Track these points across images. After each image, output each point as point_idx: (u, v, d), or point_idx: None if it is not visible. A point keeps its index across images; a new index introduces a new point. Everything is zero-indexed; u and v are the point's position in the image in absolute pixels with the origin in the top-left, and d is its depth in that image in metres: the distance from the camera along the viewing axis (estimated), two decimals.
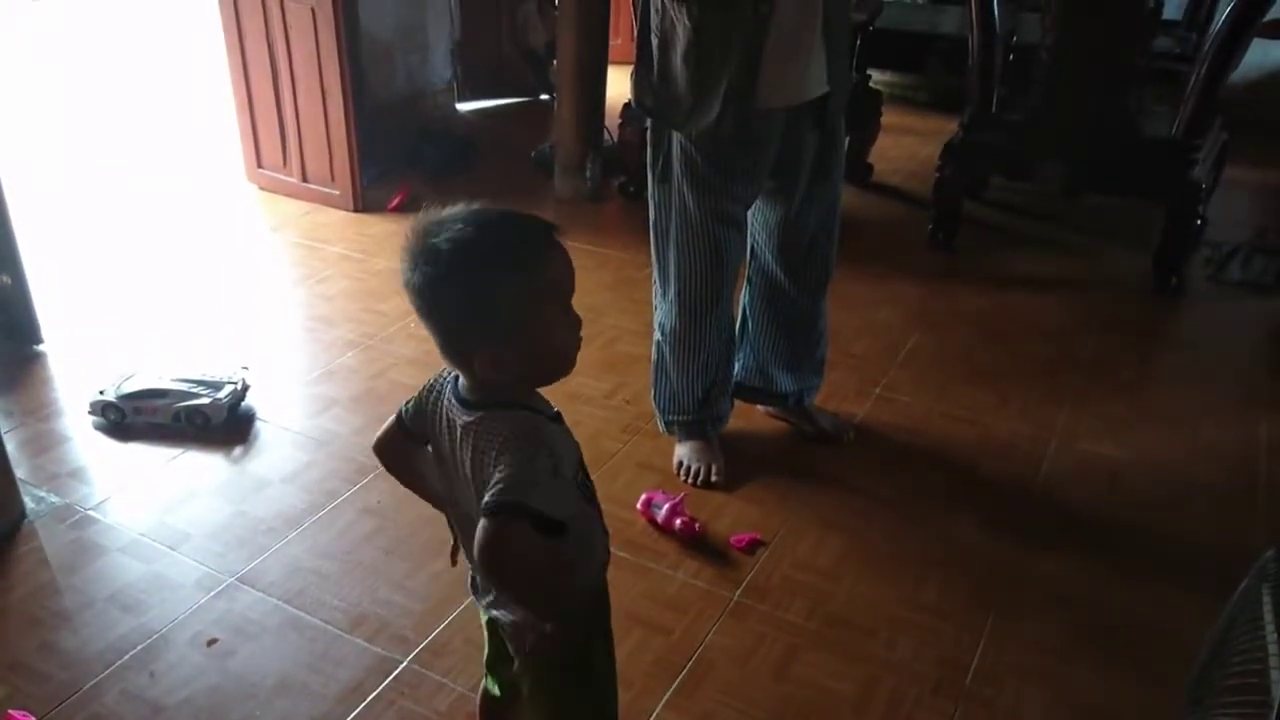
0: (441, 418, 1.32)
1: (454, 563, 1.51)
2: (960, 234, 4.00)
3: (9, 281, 3.12)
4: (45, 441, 2.75)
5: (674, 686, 1.97)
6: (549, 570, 1.30)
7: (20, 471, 2.56)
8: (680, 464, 2.58)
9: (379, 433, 1.43)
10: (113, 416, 2.77)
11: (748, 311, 2.62)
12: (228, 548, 2.33)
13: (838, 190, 2.45)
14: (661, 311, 2.49)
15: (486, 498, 1.17)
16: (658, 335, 2.53)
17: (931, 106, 5.63)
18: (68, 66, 6.76)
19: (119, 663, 2.02)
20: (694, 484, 2.53)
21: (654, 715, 1.91)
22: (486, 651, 1.59)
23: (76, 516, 2.45)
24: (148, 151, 5.15)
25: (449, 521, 1.45)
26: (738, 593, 2.20)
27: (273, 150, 4.41)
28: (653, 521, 2.39)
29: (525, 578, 1.25)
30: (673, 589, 2.22)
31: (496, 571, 1.21)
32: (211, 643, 2.07)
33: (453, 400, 1.28)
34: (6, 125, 5.40)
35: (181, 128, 5.52)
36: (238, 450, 2.72)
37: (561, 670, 1.45)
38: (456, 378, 1.30)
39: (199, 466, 2.64)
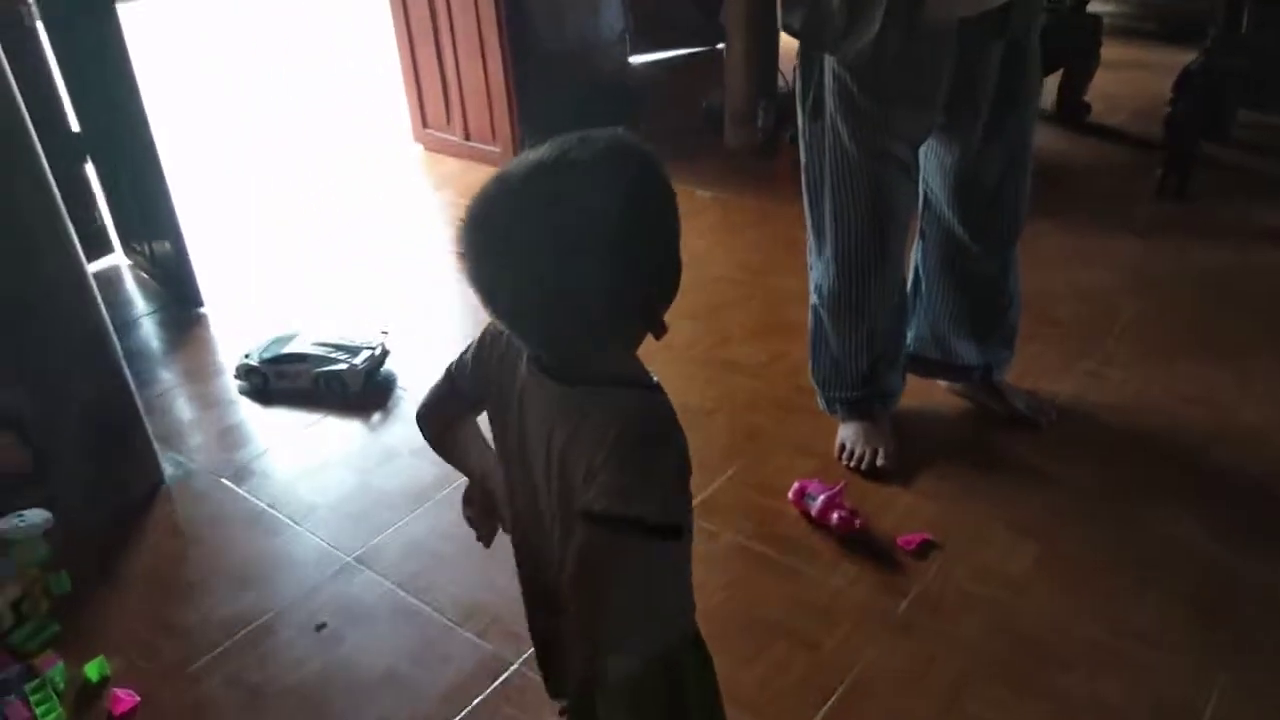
0: (510, 380, 1.08)
1: (487, 544, 1.30)
2: (1195, 180, 3.41)
3: (169, 248, 3.14)
4: (194, 406, 2.74)
5: (820, 715, 1.67)
6: (660, 589, 1.05)
7: (166, 436, 2.55)
8: (842, 447, 2.25)
9: (424, 397, 1.21)
10: (256, 381, 2.72)
11: (920, 271, 2.24)
12: (350, 523, 2.21)
13: (1029, 125, 2.02)
14: (818, 272, 2.15)
15: (593, 500, 0.94)
16: (814, 299, 2.20)
17: (1161, 37, 4.91)
18: (236, 35, 7.00)
19: (228, 643, 1.92)
20: (858, 471, 2.20)
21: None
22: None
23: (210, 484, 2.39)
24: (317, 118, 5.21)
25: (497, 505, 1.24)
26: (903, 604, 1.87)
27: (436, 110, 4.33)
28: (806, 514, 2.08)
29: (629, 602, 1.00)
30: (825, 596, 1.90)
31: (595, 591, 0.96)
32: (321, 627, 1.94)
33: (532, 365, 1.04)
34: (172, 94, 5.61)
35: (351, 93, 5.56)
36: (375, 418, 2.61)
37: (646, 700, 1.20)
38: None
39: (333, 434, 2.55)
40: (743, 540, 2.05)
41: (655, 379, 1.05)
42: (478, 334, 1.15)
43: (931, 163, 2.06)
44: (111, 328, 2.30)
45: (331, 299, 3.22)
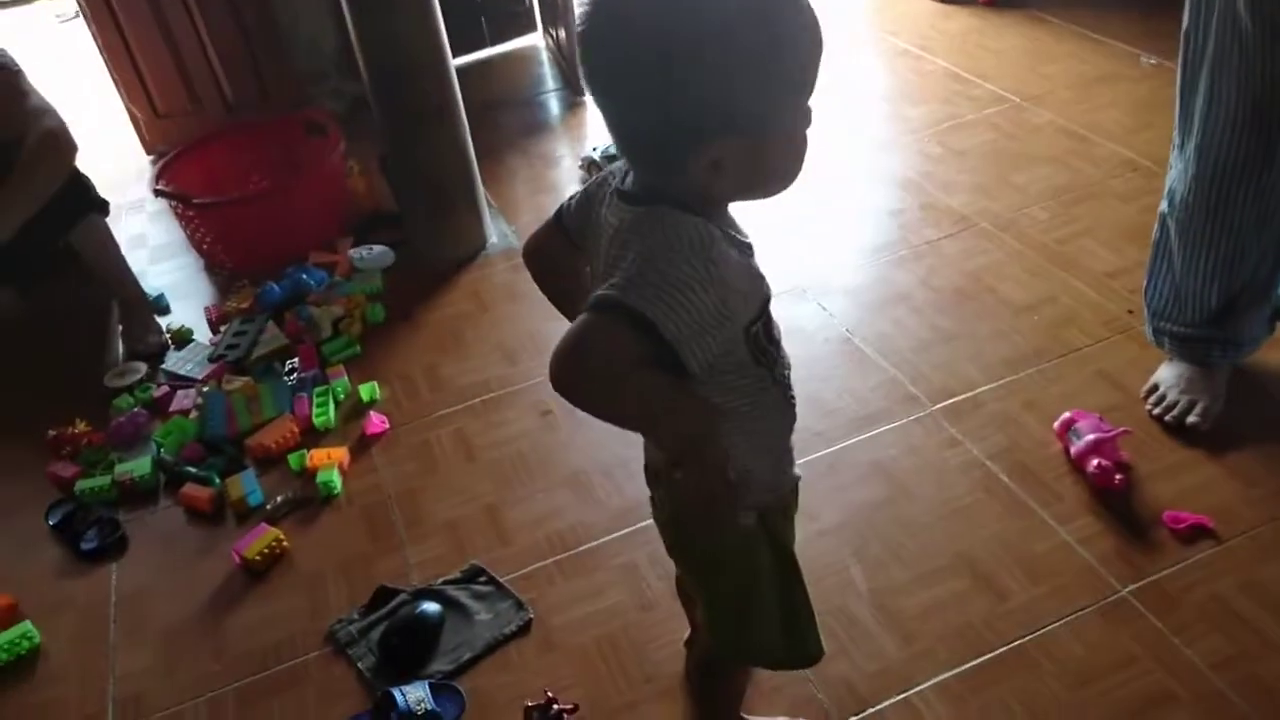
0: (600, 217, 1.00)
1: None
2: None
3: (564, 35, 3.28)
4: (541, 184, 2.92)
5: (966, 666, 1.46)
6: (659, 396, 0.90)
7: (506, 207, 2.76)
8: (1154, 389, 1.84)
9: (533, 233, 1.15)
10: (594, 174, 2.81)
11: None
12: None
13: None
14: (1175, 171, 1.70)
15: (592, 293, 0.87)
16: (1163, 205, 1.75)
17: None
18: None
19: (471, 402, 2.11)
20: (1160, 421, 1.79)
21: (915, 688, 1.45)
22: None
23: (519, 259, 2.55)
24: None
25: None
26: (1131, 587, 1.53)
27: None
28: (1067, 451, 1.76)
29: (607, 395, 0.88)
30: (1044, 546, 1.62)
31: (564, 379, 0.89)
32: (546, 413, 2.05)
33: (615, 199, 0.95)
34: None
35: None
36: None
37: (711, 550, 1.13)
38: (627, 171, 0.96)
39: None
40: (984, 458, 1.79)
41: (748, 239, 0.94)
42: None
43: None
44: (462, 107, 2.47)
45: None
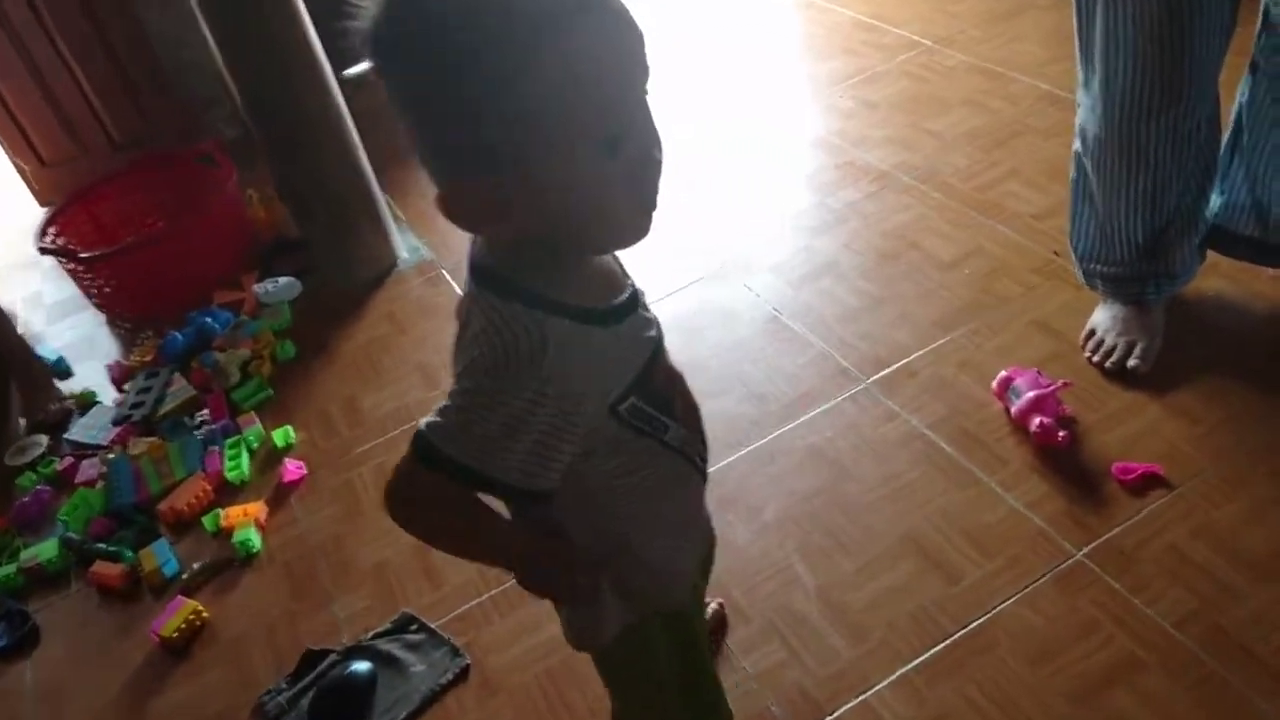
0: None
1: None
2: None
3: None
4: None
5: (925, 657, 1.39)
6: (487, 539, 0.87)
7: (416, 220, 2.64)
8: (1090, 334, 1.77)
9: None
10: None
11: (1245, 116, 1.60)
12: None
13: None
14: (1083, 109, 1.62)
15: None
16: (1076, 144, 1.67)
17: None
18: None
19: (389, 435, 2.00)
20: (1101, 366, 1.72)
21: (872, 689, 1.37)
22: None
23: (433, 274, 2.46)
24: None
25: None
26: (1085, 549, 1.47)
27: None
28: (1008, 412, 1.68)
29: (433, 535, 0.86)
30: (992, 517, 1.55)
31: (393, 516, 0.81)
32: None
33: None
34: None
35: None
36: None
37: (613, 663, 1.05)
38: None
39: None
40: (922, 428, 1.71)
41: (619, 298, 0.82)
42: None
43: None
44: (348, 117, 2.35)
45: None
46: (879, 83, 2.71)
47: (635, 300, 0.84)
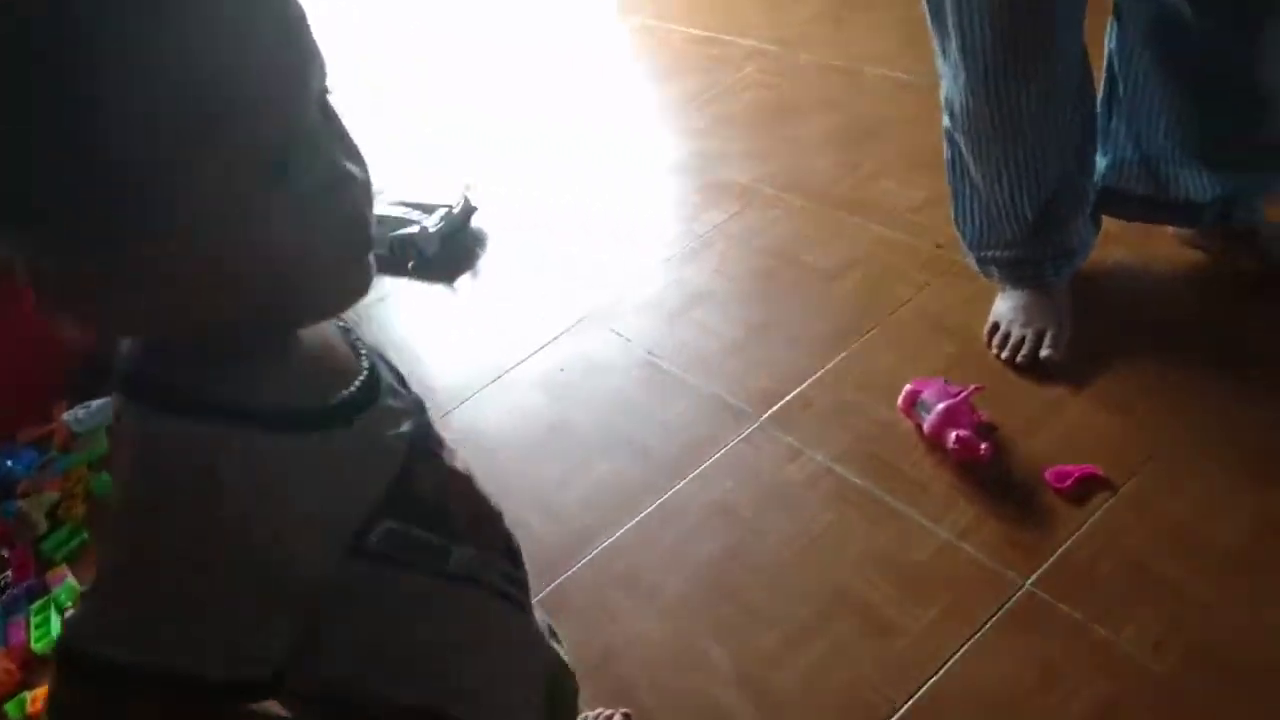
0: None
1: None
2: None
3: None
4: None
5: None
6: None
7: None
8: (994, 328, 1.60)
9: None
10: None
11: (1118, 65, 1.46)
12: None
13: None
14: (946, 81, 1.46)
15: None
16: (945, 120, 1.51)
17: None
18: None
19: None
20: (1012, 362, 1.55)
21: None
22: None
23: None
24: None
25: None
26: (1033, 577, 1.26)
27: None
28: (920, 429, 1.49)
29: None
30: (923, 552, 1.34)
31: None
32: None
33: None
34: None
35: None
36: (459, 284, 2.23)
37: None
38: None
39: (405, 308, 2.21)
40: (829, 462, 1.50)
41: (341, 396, 0.59)
42: None
43: None
44: None
45: (417, 149, 2.79)
46: (729, 96, 2.54)
47: (373, 388, 0.60)
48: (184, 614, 0.51)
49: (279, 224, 0.49)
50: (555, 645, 0.86)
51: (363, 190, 0.54)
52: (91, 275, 0.48)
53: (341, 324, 0.65)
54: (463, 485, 0.71)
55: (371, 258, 0.56)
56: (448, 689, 0.66)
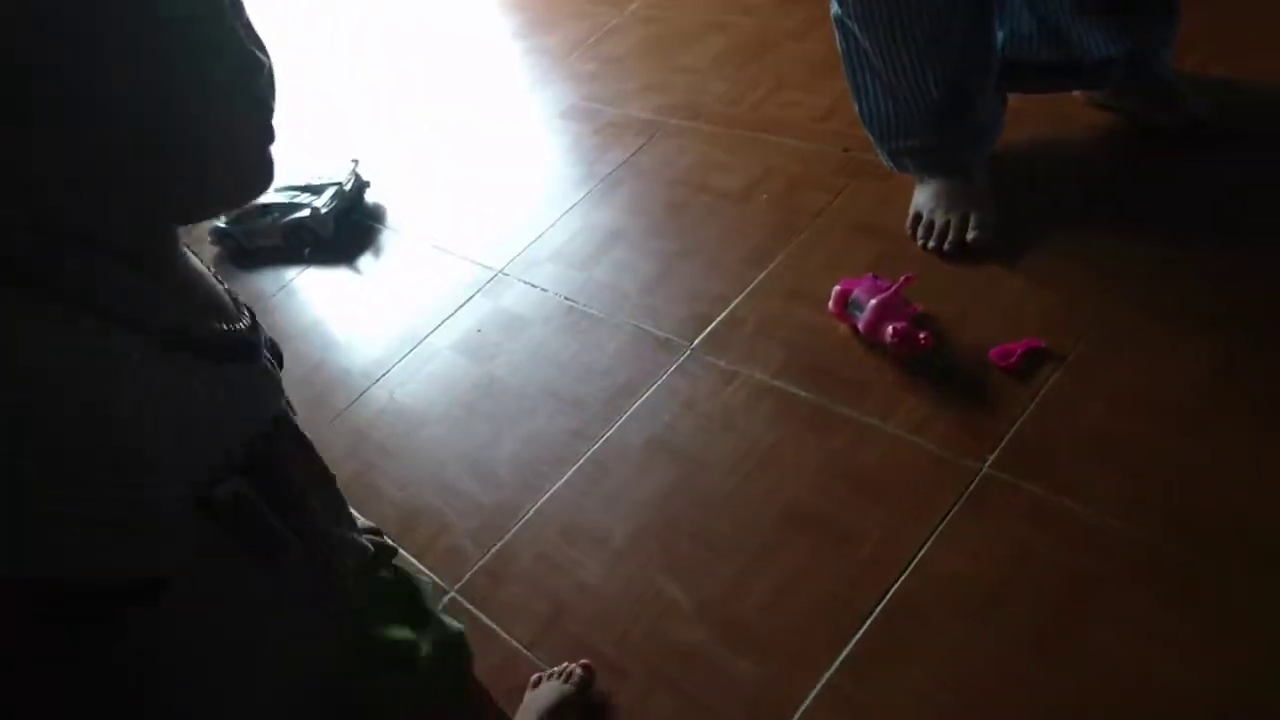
0: None
1: None
2: None
3: None
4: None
5: (847, 651, 1.09)
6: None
7: None
8: (916, 219, 1.53)
9: None
10: (230, 245, 2.29)
11: None
12: None
13: None
14: None
15: None
16: (834, 7, 1.43)
17: None
18: None
19: None
20: (938, 252, 1.49)
21: (797, 712, 1.06)
22: None
23: None
24: None
25: None
26: (990, 459, 1.20)
27: None
28: (855, 329, 1.42)
29: None
30: (875, 453, 1.27)
31: None
32: None
33: None
34: None
35: None
36: (361, 262, 2.10)
37: None
38: None
39: (309, 293, 2.09)
40: (766, 378, 1.43)
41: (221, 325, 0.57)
42: None
43: None
44: None
45: (297, 128, 2.65)
46: (616, 36, 2.44)
47: (254, 340, 0.57)
48: (37, 519, 0.45)
49: (199, 105, 0.50)
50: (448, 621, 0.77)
51: (269, 78, 0.53)
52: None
53: (219, 279, 0.62)
54: (325, 492, 0.64)
55: (272, 151, 0.55)
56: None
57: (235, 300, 0.61)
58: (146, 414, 0.48)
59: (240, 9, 0.52)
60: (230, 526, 0.52)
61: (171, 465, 0.49)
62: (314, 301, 2.05)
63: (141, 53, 0.47)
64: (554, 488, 1.41)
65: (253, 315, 0.61)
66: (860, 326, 1.38)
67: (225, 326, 0.57)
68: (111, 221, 0.51)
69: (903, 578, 1.13)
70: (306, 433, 0.62)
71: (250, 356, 0.58)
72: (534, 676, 1.18)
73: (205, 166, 0.52)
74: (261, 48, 0.53)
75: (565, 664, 1.17)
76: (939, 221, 1.49)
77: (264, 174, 0.55)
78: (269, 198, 2.21)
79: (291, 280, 2.13)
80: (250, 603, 0.56)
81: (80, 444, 0.46)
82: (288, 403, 0.62)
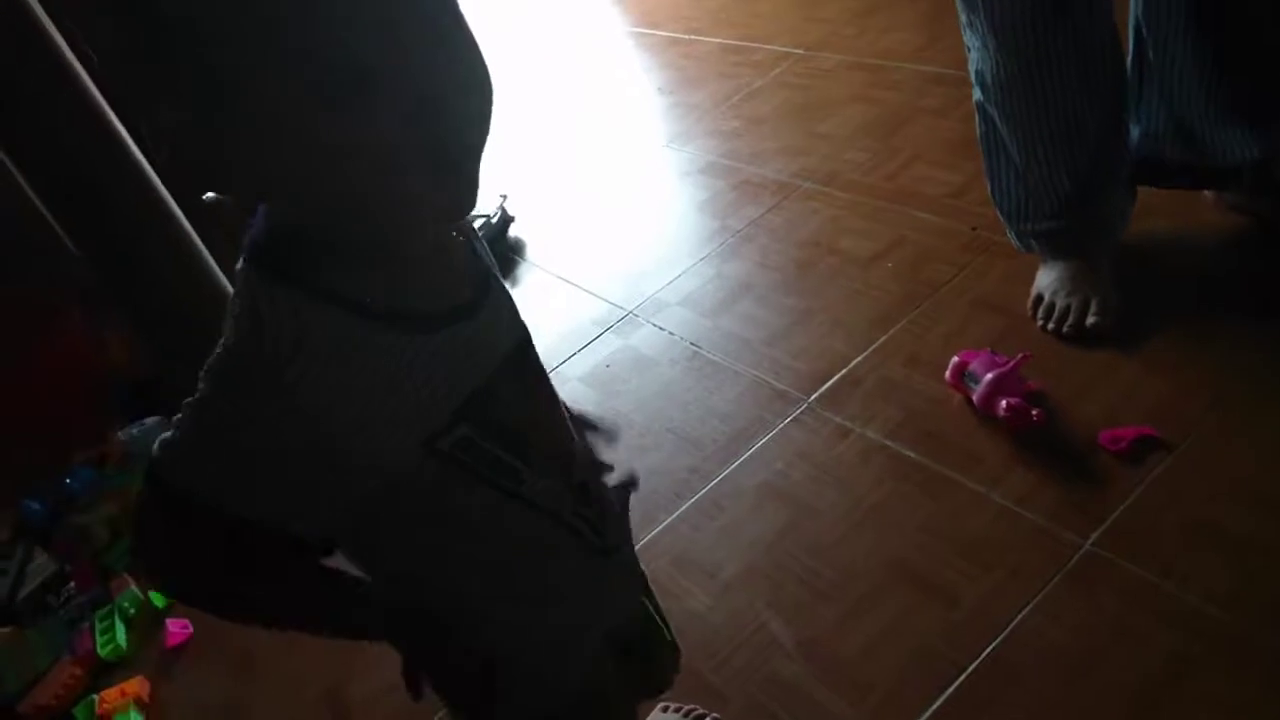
0: None
1: None
2: None
3: None
4: None
5: (941, 701, 1.15)
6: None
7: None
8: (1038, 300, 1.59)
9: None
10: None
11: (1146, 30, 1.47)
12: None
13: None
14: (974, 52, 1.47)
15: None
16: (976, 93, 1.52)
17: None
18: None
19: None
20: (1058, 334, 1.54)
21: None
22: None
23: None
24: None
25: None
26: (1093, 536, 1.26)
27: None
28: (970, 400, 1.48)
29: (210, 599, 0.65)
30: (981, 520, 1.33)
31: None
32: None
33: None
34: None
35: None
36: None
37: None
38: None
39: None
40: (881, 438, 1.51)
41: (456, 300, 0.63)
42: None
43: None
44: (177, 209, 2.08)
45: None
46: (760, 97, 2.57)
47: (480, 300, 0.64)
48: (252, 473, 0.56)
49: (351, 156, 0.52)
50: (645, 601, 0.87)
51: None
52: (236, 134, 0.51)
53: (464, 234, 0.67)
54: (546, 419, 0.72)
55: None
56: (493, 614, 0.68)
57: (475, 251, 0.67)
58: (368, 384, 0.56)
59: None
60: (458, 465, 0.61)
61: (393, 429, 0.58)
62: None
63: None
64: (669, 519, 1.51)
65: (487, 271, 0.66)
66: (975, 399, 1.45)
67: (449, 303, 0.61)
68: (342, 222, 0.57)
69: (999, 639, 1.19)
70: None
71: (475, 312, 0.63)
72: (661, 704, 1.25)
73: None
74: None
75: (697, 708, 1.24)
76: (1060, 304, 1.55)
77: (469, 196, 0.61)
78: None
79: None
80: (489, 515, 0.65)
81: (313, 414, 0.54)
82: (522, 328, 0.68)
